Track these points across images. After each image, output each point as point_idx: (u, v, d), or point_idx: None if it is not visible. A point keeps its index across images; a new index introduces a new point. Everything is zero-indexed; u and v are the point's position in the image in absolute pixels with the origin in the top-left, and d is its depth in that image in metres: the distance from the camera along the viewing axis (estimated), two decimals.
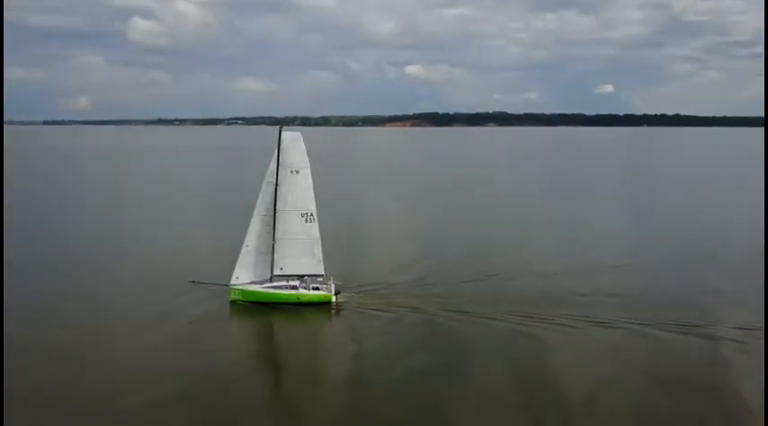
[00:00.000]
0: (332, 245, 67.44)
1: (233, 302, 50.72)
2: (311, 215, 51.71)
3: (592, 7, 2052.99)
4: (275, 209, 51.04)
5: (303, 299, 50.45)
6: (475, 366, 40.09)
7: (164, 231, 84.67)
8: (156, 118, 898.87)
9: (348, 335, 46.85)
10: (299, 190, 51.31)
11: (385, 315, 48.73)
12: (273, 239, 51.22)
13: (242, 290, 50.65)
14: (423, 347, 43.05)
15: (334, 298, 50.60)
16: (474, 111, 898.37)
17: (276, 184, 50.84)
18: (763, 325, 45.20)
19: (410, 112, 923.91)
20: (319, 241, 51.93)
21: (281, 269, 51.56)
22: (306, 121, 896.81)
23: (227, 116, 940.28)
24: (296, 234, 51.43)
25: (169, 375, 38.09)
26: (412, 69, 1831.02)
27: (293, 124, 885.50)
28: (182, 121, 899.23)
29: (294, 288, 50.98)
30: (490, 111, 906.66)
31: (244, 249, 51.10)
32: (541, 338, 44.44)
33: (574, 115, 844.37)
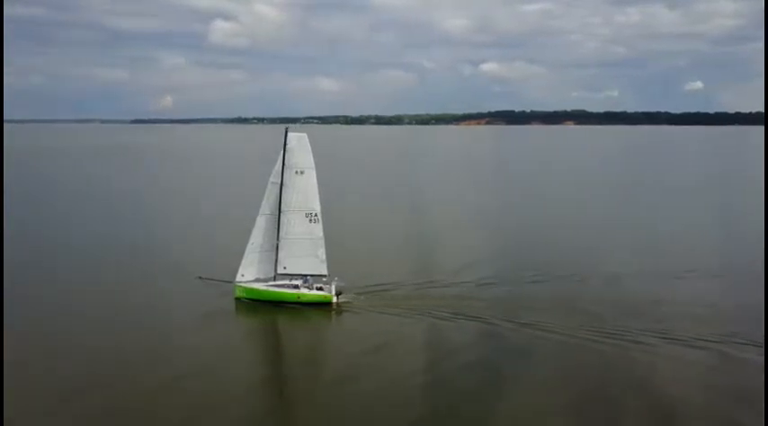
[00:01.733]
0: (353, 246, 67.75)
1: (237, 299, 51.82)
2: (315, 215, 52.05)
3: (678, 0, 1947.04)
4: (280, 209, 51.71)
5: (303, 299, 50.87)
6: (475, 372, 39.23)
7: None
8: (235, 116, 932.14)
9: (344, 336, 47.22)
10: (304, 191, 51.80)
11: (386, 317, 48.38)
12: (278, 238, 51.94)
13: (246, 288, 51.68)
14: (417, 350, 42.47)
15: (334, 299, 50.71)
16: (551, 110, 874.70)
17: (281, 184, 51.47)
18: None
19: (485, 111, 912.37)
20: (323, 241, 52.21)
21: (285, 268, 52.22)
22: (379, 120, 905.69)
23: (303, 115, 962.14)
24: (300, 233, 51.96)
25: (162, 367, 39.35)
26: (487, 67, 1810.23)
27: (367, 123, 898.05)
28: (260, 120, 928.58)
29: (296, 287, 51.47)
30: (568, 110, 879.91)
31: (249, 247, 52.12)
32: (552, 350, 42.48)
33: (658, 113, 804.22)
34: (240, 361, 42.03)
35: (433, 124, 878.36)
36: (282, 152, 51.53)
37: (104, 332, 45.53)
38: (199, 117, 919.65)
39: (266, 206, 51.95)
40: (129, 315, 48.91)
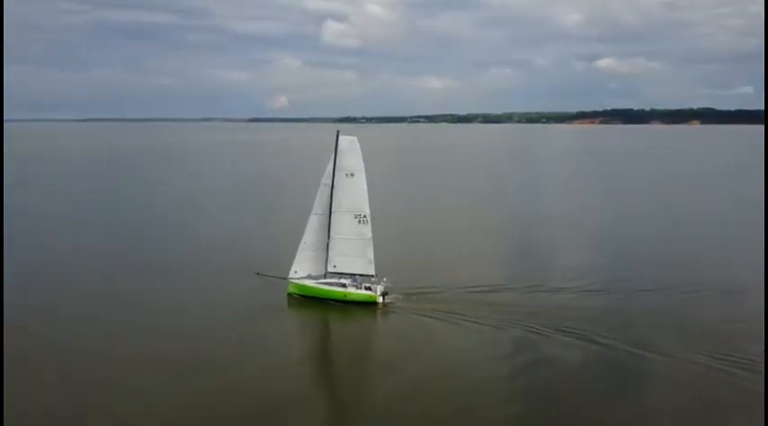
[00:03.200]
0: (415, 247, 68.15)
1: (290, 295, 54.03)
2: (364, 216, 53.14)
3: None
4: (330, 210, 53.25)
5: (350, 298, 52.20)
6: (514, 380, 38.74)
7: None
8: (344, 116, 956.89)
9: (384, 336, 48.36)
10: (354, 193, 53.07)
11: (429, 321, 48.63)
12: (328, 237, 53.55)
13: (297, 284, 53.86)
14: (449, 354, 42.53)
15: (380, 299, 51.53)
16: (674, 108, 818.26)
17: (332, 186, 52.97)
18: None
19: (599, 109, 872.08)
20: (371, 242, 53.23)
21: (335, 266, 53.78)
22: (486, 118, 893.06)
23: (411, 114, 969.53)
24: (349, 234, 53.30)
25: (222, 351, 42.74)
26: (603, 62, 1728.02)
27: (474, 121, 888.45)
28: (368, 119, 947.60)
29: (343, 286, 52.84)
30: (694, 108, 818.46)
31: (302, 245, 54.17)
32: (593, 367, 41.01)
33: None
34: (276, 353, 43.62)
35: (543, 123, 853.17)
36: (334, 154, 52.98)
37: (178, 317, 49.80)
38: (310, 116, 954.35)
39: (318, 206, 53.76)
40: (196, 306, 52.71)
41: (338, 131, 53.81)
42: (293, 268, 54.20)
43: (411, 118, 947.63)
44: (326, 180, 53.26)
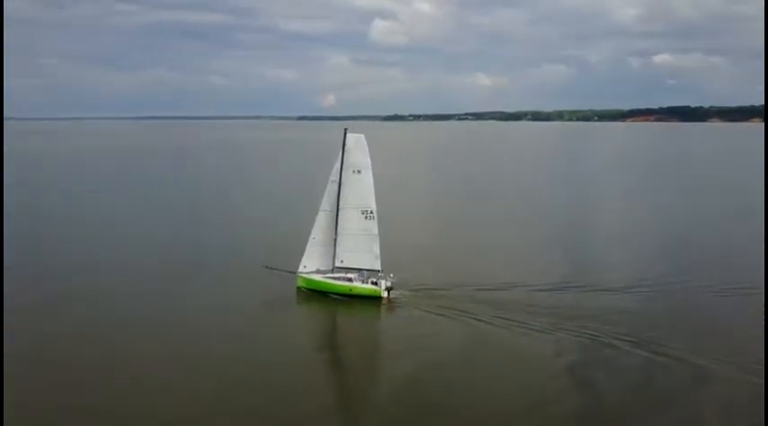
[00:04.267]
0: (429, 246, 68.70)
1: (299, 289, 55.58)
2: (371, 212, 54.18)
3: None
4: (338, 206, 54.46)
5: (355, 292, 53.41)
6: (511, 379, 39.07)
7: None
8: (392, 113, 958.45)
9: (384, 330, 49.64)
10: (360, 189, 54.20)
11: (431, 317, 49.39)
12: (336, 233, 54.78)
13: (305, 278, 55.36)
14: (452, 350, 43.15)
15: (384, 294, 52.48)
16: (734, 105, 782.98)
17: (339, 183, 54.18)
18: None
19: (655, 106, 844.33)
20: (377, 237, 54.26)
21: (342, 261, 55.02)
22: (536, 116, 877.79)
23: (458, 111, 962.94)
24: (356, 229, 54.47)
25: (235, 339, 45.02)
26: (659, 58, 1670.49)
27: (523, 119, 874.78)
28: (415, 117, 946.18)
29: (349, 280, 54.01)
30: (756, 105, 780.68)
31: (310, 241, 55.59)
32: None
33: None
34: (280, 342, 45.34)
35: (595, 120, 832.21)
36: (341, 152, 54.15)
37: (187, 307, 52.28)
38: (358, 114, 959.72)
39: (326, 202, 55.08)
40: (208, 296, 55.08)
41: (346, 129, 54.98)
42: (302, 262, 55.66)
43: (459, 115, 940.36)
44: (334, 176, 54.51)
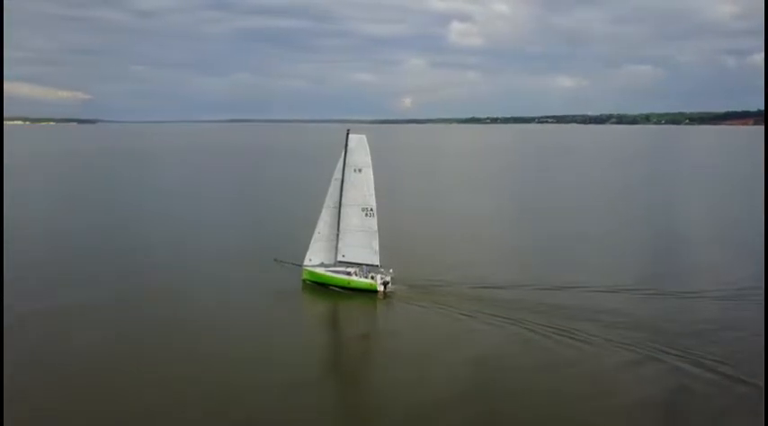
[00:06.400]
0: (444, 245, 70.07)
1: (304, 281, 58.67)
2: (371, 210, 56.47)
3: None
4: (340, 203, 57.08)
5: (353, 285, 55.96)
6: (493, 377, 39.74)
7: None
8: (469, 116, 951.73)
9: (381, 322, 52.20)
10: (361, 187, 56.54)
11: (424, 311, 51.19)
12: (338, 229, 57.43)
13: (310, 271, 58.38)
14: (439, 344, 44.56)
15: (380, 288, 54.68)
16: None
17: (342, 181, 56.78)
18: None
19: (753, 109, 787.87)
20: (376, 234, 56.51)
21: (344, 256, 57.66)
22: (621, 119, 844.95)
23: (538, 114, 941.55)
24: (356, 226, 56.98)
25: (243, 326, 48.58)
26: (758, 58, 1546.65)
27: (608, 122, 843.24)
28: (493, 120, 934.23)
29: (348, 274, 56.53)
30: None
31: (315, 236, 58.49)
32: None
33: None
34: (277, 329, 48.48)
35: (686, 124, 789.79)
36: (344, 151, 56.72)
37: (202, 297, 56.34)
38: (434, 117, 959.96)
39: (330, 199, 57.82)
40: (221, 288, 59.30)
41: (348, 130, 57.56)
42: (308, 256, 58.63)
43: (539, 118, 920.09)
44: (337, 175, 57.17)
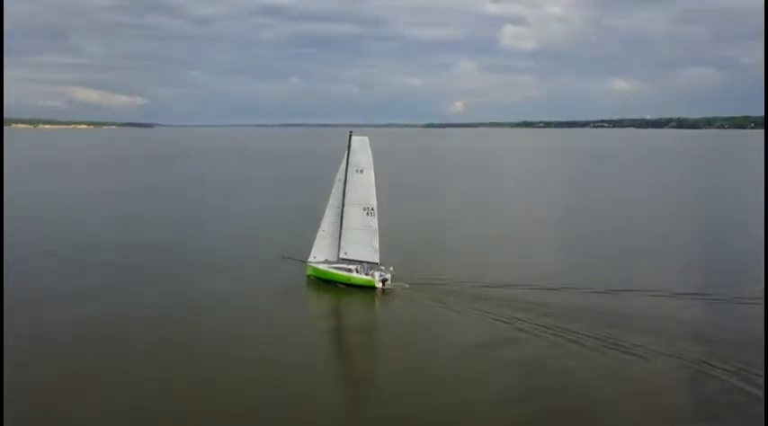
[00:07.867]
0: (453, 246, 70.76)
1: (308, 277, 60.85)
2: (372, 209, 58.27)
3: None
4: (343, 203, 59.03)
5: (353, 281, 57.88)
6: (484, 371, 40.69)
7: None
8: (521, 120, 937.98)
9: (378, 318, 53.87)
10: (363, 187, 58.46)
11: (420, 307, 52.58)
12: (341, 227, 59.38)
13: (313, 268, 60.59)
14: (433, 339, 45.91)
15: (379, 285, 56.34)
16: None
17: (345, 181, 58.73)
18: None
19: None
20: (377, 232, 58.30)
21: (346, 253, 59.63)
22: (681, 123, 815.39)
23: (593, 118, 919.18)
24: (358, 224, 58.81)
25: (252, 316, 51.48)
26: None
27: (667, 126, 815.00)
28: (546, 124, 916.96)
29: (349, 271, 58.38)
30: None
31: (319, 233, 60.64)
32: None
33: None
34: (278, 320, 50.90)
35: (751, 128, 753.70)
36: (347, 153, 58.65)
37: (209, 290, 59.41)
38: (486, 121, 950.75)
39: (333, 199, 59.91)
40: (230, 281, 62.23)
41: (351, 132, 59.53)
42: (312, 253, 60.83)
43: (594, 122, 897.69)
44: (340, 176, 59.22)
